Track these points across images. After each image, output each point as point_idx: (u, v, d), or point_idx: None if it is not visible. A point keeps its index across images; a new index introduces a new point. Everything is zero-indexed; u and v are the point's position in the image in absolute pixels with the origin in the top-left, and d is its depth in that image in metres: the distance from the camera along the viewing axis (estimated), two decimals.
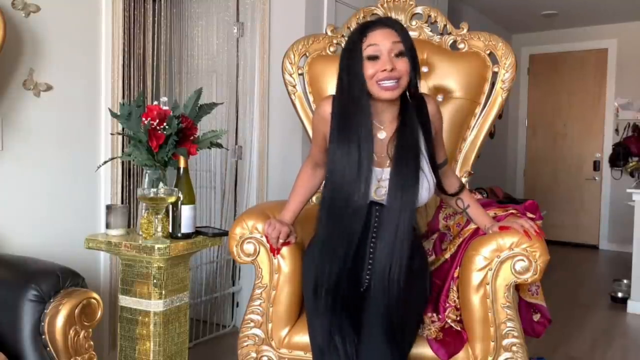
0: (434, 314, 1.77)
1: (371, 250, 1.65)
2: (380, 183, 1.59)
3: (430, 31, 2.27)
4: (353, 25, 2.31)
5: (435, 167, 1.66)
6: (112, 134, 2.38)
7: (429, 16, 2.28)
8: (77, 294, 1.60)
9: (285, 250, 1.81)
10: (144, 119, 1.86)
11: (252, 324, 1.84)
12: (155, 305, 1.88)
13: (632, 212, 3.92)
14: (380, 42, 1.52)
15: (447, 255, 1.85)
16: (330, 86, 2.21)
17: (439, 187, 1.73)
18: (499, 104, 2.19)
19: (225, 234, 2.01)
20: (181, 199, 1.89)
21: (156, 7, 2.77)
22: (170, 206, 1.91)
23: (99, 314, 1.65)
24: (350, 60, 1.55)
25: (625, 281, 4.16)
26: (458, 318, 1.75)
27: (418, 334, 1.72)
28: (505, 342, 1.66)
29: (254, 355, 1.84)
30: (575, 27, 6.32)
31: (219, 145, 2.11)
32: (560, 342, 3.24)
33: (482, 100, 2.21)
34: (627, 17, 5.84)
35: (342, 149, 1.57)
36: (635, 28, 6.03)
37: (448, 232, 1.97)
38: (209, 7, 3.12)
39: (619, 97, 6.15)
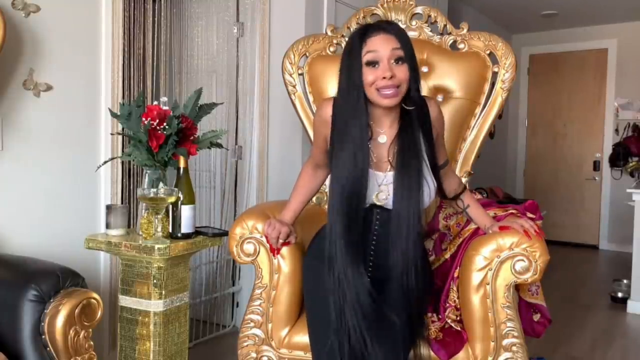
0: (434, 314, 1.77)
1: (372, 253, 1.65)
2: (381, 187, 1.59)
3: (430, 31, 2.27)
4: (353, 25, 2.31)
5: (436, 170, 1.65)
6: (112, 134, 2.38)
7: (429, 16, 2.28)
8: (77, 294, 1.60)
9: (285, 250, 1.81)
10: (144, 119, 1.86)
11: (252, 324, 1.84)
12: (155, 305, 1.88)
13: (632, 212, 3.92)
14: (379, 48, 1.51)
15: (447, 255, 1.85)
16: (331, 86, 2.21)
17: (440, 190, 1.73)
18: (499, 104, 2.19)
19: (225, 234, 2.01)
20: (181, 199, 1.89)
21: (156, 7, 2.77)
22: (170, 206, 1.91)
23: (99, 314, 1.65)
24: (350, 65, 1.55)
25: (625, 281, 4.16)
26: (458, 318, 1.75)
27: (421, 334, 1.72)
28: (505, 342, 1.66)
29: (254, 355, 1.84)
30: (575, 27, 6.32)
31: (219, 145, 2.11)
32: (560, 342, 3.24)
33: (482, 100, 2.21)
34: (627, 17, 5.84)
35: (340, 153, 1.57)
36: (635, 28, 6.03)
37: (448, 232, 1.98)
38: (209, 7, 3.12)
39: (619, 97, 6.15)
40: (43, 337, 1.55)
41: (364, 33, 1.54)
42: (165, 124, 1.86)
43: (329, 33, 2.37)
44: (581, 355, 3.10)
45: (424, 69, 2.21)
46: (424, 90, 2.14)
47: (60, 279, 1.60)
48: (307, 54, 2.35)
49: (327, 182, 1.83)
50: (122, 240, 1.89)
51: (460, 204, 1.79)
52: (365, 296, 1.53)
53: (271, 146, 3.16)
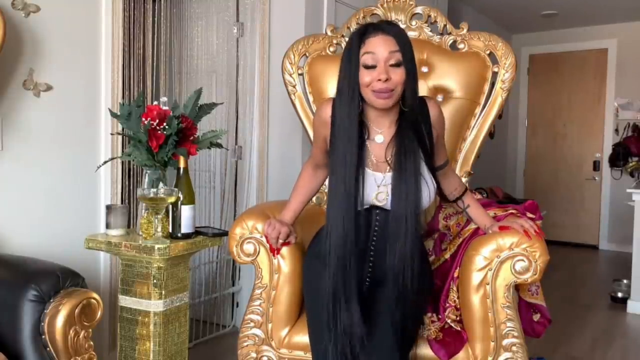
0: (434, 314, 1.77)
1: (371, 254, 1.64)
2: (380, 188, 1.59)
3: (430, 31, 2.27)
4: (353, 26, 2.31)
5: (435, 171, 1.65)
6: (112, 134, 2.38)
7: (429, 16, 2.28)
8: (77, 294, 1.60)
9: (285, 250, 1.81)
10: (143, 119, 1.86)
11: (252, 324, 1.84)
12: (155, 305, 1.88)
13: (632, 212, 3.92)
14: (377, 50, 1.50)
15: (447, 255, 1.85)
16: (331, 86, 2.21)
17: (439, 191, 1.73)
18: (498, 104, 2.19)
19: (225, 234, 2.01)
20: (181, 199, 1.89)
21: (156, 7, 2.77)
22: (170, 206, 1.91)
23: (99, 314, 1.65)
24: (348, 65, 1.55)
25: (625, 281, 4.16)
26: (458, 318, 1.75)
27: (418, 334, 1.72)
28: (505, 342, 1.66)
29: (254, 355, 1.84)
30: (575, 27, 6.32)
31: (219, 145, 2.11)
32: (560, 342, 3.24)
33: (482, 100, 2.20)
34: (627, 17, 5.84)
35: (337, 152, 1.57)
36: (635, 28, 6.03)
37: (448, 232, 1.98)
38: (209, 7, 3.12)
39: (618, 97, 6.15)
40: (43, 337, 1.55)
41: (363, 33, 1.53)
42: (165, 124, 1.86)
43: (329, 33, 2.37)
44: (581, 355, 3.10)
45: (424, 69, 2.21)
46: (424, 91, 2.15)
47: (60, 279, 1.60)
48: (307, 54, 2.35)
49: (327, 182, 1.83)
50: (122, 240, 1.89)
51: (461, 203, 1.79)
52: (356, 298, 1.53)
53: (271, 146, 3.16)
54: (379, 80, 1.49)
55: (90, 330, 1.63)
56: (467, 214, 1.80)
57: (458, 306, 1.75)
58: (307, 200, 1.87)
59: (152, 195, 1.80)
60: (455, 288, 1.77)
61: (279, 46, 2.90)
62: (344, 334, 1.53)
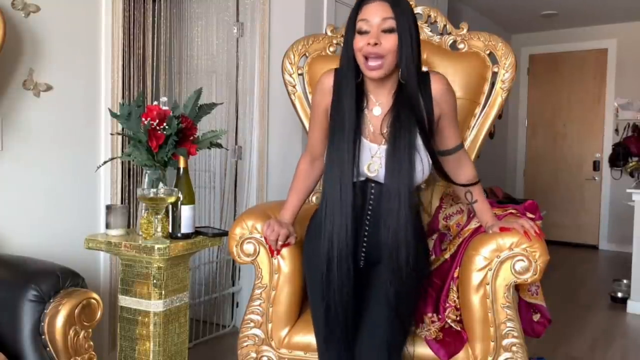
0: (434, 314, 1.77)
1: (366, 228, 1.63)
2: (373, 159, 1.58)
3: (430, 31, 2.27)
4: None
5: (432, 148, 1.60)
6: (112, 134, 2.38)
7: (429, 16, 2.28)
8: (77, 294, 1.60)
9: (285, 250, 1.81)
10: (143, 119, 1.86)
11: (252, 324, 1.84)
12: (155, 305, 1.88)
13: (632, 212, 3.92)
14: (370, 17, 1.52)
15: (447, 255, 1.85)
16: None
17: (442, 173, 1.68)
18: (498, 104, 2.19)
19: (225, 234, 2.01)
20: (181, 199, 1.89)
21: (156, 7, 2.77)
22: (170, 206, 1.91)
23: (99, 314, 1.65)
24: (346, 33, 1.59)
25: (625, 281, 4.17)
26: (458, 318, 1.75)
27: (417, 334, 1.72)
28: (505, 342, 1.66)
29: (253, 355, 1.84)
30: (575, 27, 6.32)
31: (219, 146, 2.11)
32: (560, 342, 3.24)
33: (482, 100, 2.21)
34: (627, 17, 5.84)
35: (336, 120, 1.59)
36: (635, 28, 6.03)
37: (448, 232, 1.97)
38: (209, 7, 3.12)
39: (618, 97, 6.15)
40: (43, 337, 1.55)
41: (361, 1, 1.56)
42: (165, 124, 1.86)
43: (329, 33, 2.37)
44: (581, 355, 3.10)
45: (424, 69, 2.21)
46: None
47: (60, 279, 1.60)
48: (307, 54, 2.35)
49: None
50: (122, 240, 1.89)
51: (469, 196, 1.75)
52: (350, 273, 1.55)
53: (271, 146, 3.16)
54: (369, 44, 1.50)
55: (90, 330, 1.63)
56: (472, 208, 1.77)
57: (458, 306, 1.75)
58: (306, 198, 1.86)
59: (152, 195, 1.80)
60: (455, 288, 1.77)
61: (279, 46, 2.90)
62: (336, 294, 1.54)
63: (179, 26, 3.04)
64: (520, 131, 6.85)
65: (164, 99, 1.97)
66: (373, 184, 1.61)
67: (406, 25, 1.51)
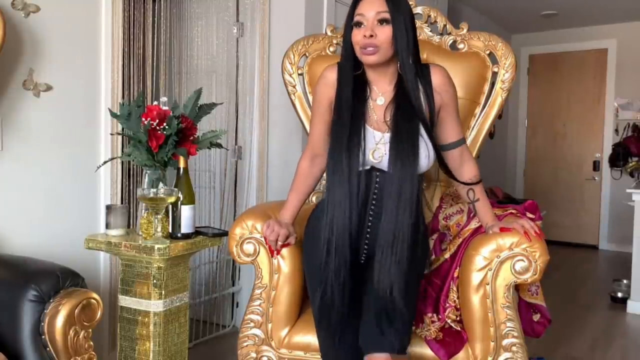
0: (434, 314, 1.77)
1: (370, 218, 1.63)
2: (377, 146, 1.61)
3: (430, 31, 2.27)
4: None
5: (434, 138, 1.64)
6: (112, 134, 2.38)
7: (429, 16, 2.28)
8: (77, 294, 1.60)
9: (285, 250, 1.81)
10: (143, 119, 1.86)
11: (252, 324, 1.84)
12: (155, 305, 1.88)
13: (632, 212, 3.92)
14: (366, 11, 1.58)
15: (447, 255, 1.85)
16: None
17: (444, 166, 1.70)
18: (498, 104, 2.19)
19: (225, 234, 2.01)
20: (181, 199, 1.89)
21: (156, 7, 2.77)
22: (170, 206, 1.91)
23: (99, 314, 1.65)
24: (345, 27, 1.65)
25: (625, 281, 4.17)
26: (458, 318, 1.75)
27: (417, 334, 1.72)
28: (505, 342, 1.66)
29: (253, 355, 1.84)
30: (575, 27, 6.32)
31: (219, 146, 2.11)
32: (560, 342, 3.24)
33: (482, 101, 2.20)
34: (627, 17, 5.84)
35: (341, 110, 1.63)
36: (635, 28, 6.03)
37: (448, 232, 1.97)
38: (209, 7, 3.12)
39: (618, 97, 6.15)
40: (43, 337, 1.55)
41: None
42: (165, 124, 1.86)
43: (329, 33, 2.37)
44: (581, 355, 3.10)
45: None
46: None
47: (60, 279, 1.60)
48: (307, 54, 2.35)
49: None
50: (122, 240, 1.89)
51: (471, 194, 1.75)
52: (347, 258, 1.57)
53: (271, 146, 3.16)
54: (364, 36, 1.57)
55: (90, 330, 1.63)
56: (473, 207, 1.77)
57: (458, 306, 1.76)
58: (306, 198, 1.86)
59: (152, 195, 1.80)
60: (455, 288, 1.77)
61: (279, 46, 2.90)
62: (333, 278, 1.56)
63: (179, 26, 3.04)
64: (520, 131, 6.85)
65: (164, 99, 1.97)
66: (378, 173, 1.62)
67: (401, 17, 1.57)
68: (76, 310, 1.58)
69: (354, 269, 1.62)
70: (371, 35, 1.55)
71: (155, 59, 2.81)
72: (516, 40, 6.66)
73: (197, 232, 1.99)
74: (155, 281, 1.87)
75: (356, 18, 1.59)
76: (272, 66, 3.08)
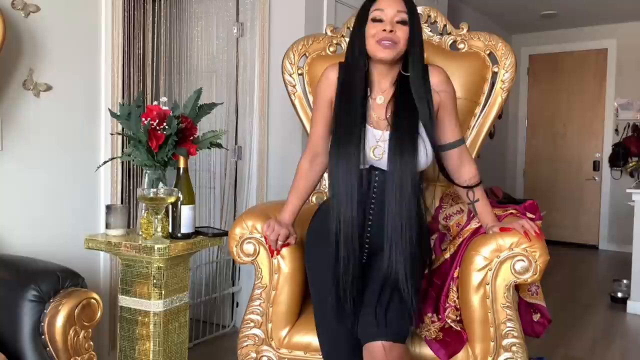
0: (434, 314, 1.77)
1: (370, 217, 1.65)
2: (378, 143, 1.63)
3: (430, 31, 2.27)
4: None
5: (433, 137, 1.65)
6: (112, 134, 2.38)
7: (429, 16, 2.27)
8: (77, 294, 1.60)
9: (285, 250, 1.81)
10: (143, 119, 1.86)
11: (252, 324, 1.84)
12: (155, 305, 1.88)
13: (632, 212, 3.92)
14: (386, 7, 1.61)
15: (447, 255, 1.85)
16: None
17: (441, 168, 1.72)
18: (498, 104, 2.19)
19: (225, 234, 2.01)
20: (181, 199, 1.89)
21: (156, 7, 2.77)
22: (170, 206, 1.91)
23: (99, 314, 1.64)
24: (357, 21, 1.66)
25: (625, 281, 4.16)
26: (458, 318, 1.75)
27: (417, 334, 1.72)
28: (505, 342, 1.66)
29: (253, 355, 1.84)
30: (575, 27, 6.32)
31: (219, 146, 2.11)
32: (560, 342, 3.24)
33: (482, 101, 2.20)
34: (627, 17, 5.84)
35: (342, 109, 1.65)
36: (635, 28, 6.03)
37: (448, 232, 1.97)
38: (209, 7, 3.12)
39: (618, 97, 6.15)
40: (43, 337, 1.55)
41: None
42: (165, 124, 1.86)
43: (329, 33, 2.36)
44: (581, 355, 3.10)
45: None
46: None
47: (60, 279, 1.60)
48: (307, 54, 2.35)
49: (326, 176, 1.86)
50: (122, 240, 1.89)
51: (471, 195, 1.76)
52: (356, 252, 1.59)
53: (271, 146, 3.16)
54: (384, 30, 1.59)
55: (90, 330, 1.63)
56: (473, 207, 1.78)
57: (458, 306, 1.75)
58: (306, 198, 1.86)
59: (152, 195, 1.80)
60: (455, 288, 1.77)
61: (279, 46, 2.90)
62: (344, 270, 1.58)
63: (179, 26, 3.04)
64: (520, 131, 6.85)
65: (164, 99, 1.97)
66: (377, 172, 1.64)
67: (415, 20, 1.63)
68: (76, 310, 1.58)
69: (365, 268, 1.65)
70: (391, 31, 1.59)
71: (155, 59, 2.81)
72: (516, 40, 6.66)
73: (197, 232, 1.99)
74: (155, 281, 1.87)
75: (375, 13, 1.62)
76: (272, 66, 3.08)
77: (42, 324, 1.55)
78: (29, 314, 1.55)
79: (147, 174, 1.95)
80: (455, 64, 2.20)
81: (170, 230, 1.93)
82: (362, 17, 1.65)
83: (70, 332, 1.57)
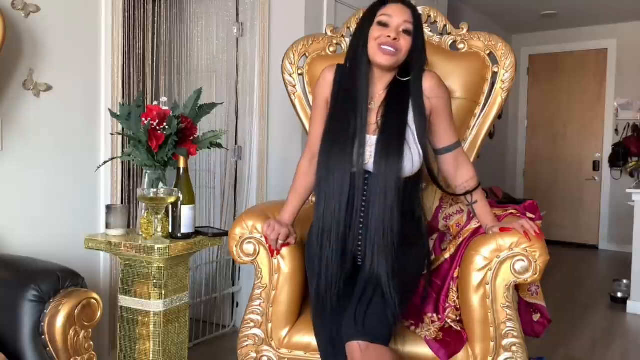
0: (434, 314, 1.77)
1: (361, 220, 1.65)
2: (365, 148, 1.65)
3: (430, 31, 2.27)
4: (353, 26, 2.30)
5: (425, 144, 1.66)
6: (112, 134, 2.38)
7: (429, 16, 2.27)
8: (77, 294, 1.60)
9: (285, 250, 1.81)
10: (143, 119, 1.86)
11: (252, 324, 1.84)
12: (155, 305, 1.88)
13: (632, 212, 3.92)
14: (394, 15, 1.62)
15: (447, 255, 1.85)
16: None
17: (433, 178, 1.73)
18: (498, 104, 2.19)
19: (225, 234, 2.01)
20: (181, 199, 1.89)
21: (156, 7, 2.77)
22: (170, 206, 1.91)
23: (99, 314, 1.64)
24: (362, 23, 1.68)
25: (625, 281, 4.16)
26: (458, 318, 1.75)
27: (417, 334, 1.72)
28: (505, 342, 1.66)
29: (253, 355, 1.84)
30: (575, 27, 6.32)
31: (219, 146, 2.11)
32: (560, 342, 3.24)
33: (482, 101, 2.20)
34: (627, 17, 5.84)
35: (336, 113, 1.67)
36: (635, 28, 6.03)
37: (448, 232, 1.97)
38: (209, 7, 3.12)
39: (618, 97, 6.15)
40: (43, 337, 1.55)
41: (384, 1, 1.66)
42: (165, 124, 1.86)
43: (329, 33, 2.36)
44: (581, 355, 3.10)
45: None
46: None
47: (60, 279, 1.60)
48: (307, 54, 2.35)
49: None
50: (122, 240, 1.89)
51: (469, 197, 1.77)
52: (337, 253, 1.61)
53: (271, 146, 3.16)
54: (388, 36, 1.60)
55: (90, 330, 1.63)
56: (472, 209, 1.79)
57: (458, 306, 1.76)
58: (306, 198, 1.87)
59: (152, 195, 1.80)
60: (455, 288, 1.77)
61: (279, 46, 2.90)
62: (326, 269, 1.61)
63: (179, 26, 3.04)
64: (520, 131, 6.85)
65: (164, 99, 1.97)
66: (367, 176, 1.65)
67: (420, 33, 1.66)
68: (76, 310, 1.57)
69: (352, 272, 1.65)
70: (395, 38, 1.60)
71: (155, 59, 2.81)
72: (516, 40, 6.66)
73: (197, 232, 1.99)
74: (155, 281, 1.87)
75: (382, 17, 1.63)
76: (272, 66, 3.08)
77: (42, 324, 1.55)
78: (29, 314, 1.55)
79: (147, 174, 1.95)
80: (455, 64, 2.20)
81: (170, 230, 1.93)
82: (368, 18, 1.65)
83: (70, 332, 1.57)
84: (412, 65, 1.66)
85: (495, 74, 2.19)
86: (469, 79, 2.19)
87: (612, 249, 6.17)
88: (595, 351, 3.17)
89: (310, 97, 2.35)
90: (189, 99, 2.03)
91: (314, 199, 2.22)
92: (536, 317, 1.91)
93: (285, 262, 1.82)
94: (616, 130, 6.15)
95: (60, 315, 1.55)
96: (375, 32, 1.62)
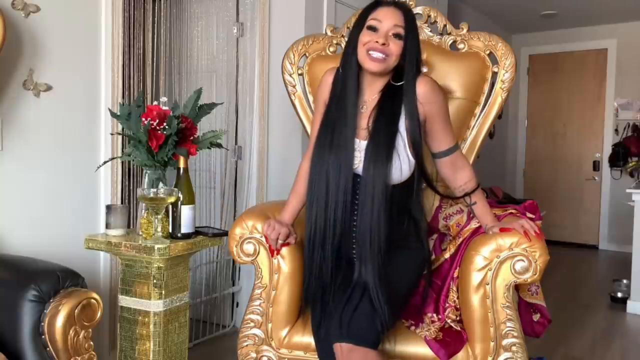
0: (434, 314, 1.77)
1: (354, 223, 1.67)
2: (355, 153, 1.65)
3: (430, 31, 2.27)
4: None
5: (418, 151, 1.66)
6: (112, 134, 2.38)
7: (429, 16, 2.27)
8: (77, 294, 1.60)
9: (285, 250, 1.81)
10: (143, 119, 1.86)
11: (252, 324, 1.84)
12: (155, 305, 1.88)
13: (632, 212, 3.92)
14: (384, 19, 1.60)
15: (447, 255, 1.85)
16: None
17: (429, 183, 1.73)
18: (498, 104, 2.19)
19: (225, 234, 2.01)
20: (181, 199, 1.89)
21: (156, 7, 2.77)
22: (170, 206, 1.91)
23: (99, 314, 1.65)
24: (353, 28, 1.66)
25: (625, 281, 4.17)
26: (458, 318, 1.75)
27: (417, 334, 1.72)
28: (505, 342, 1.66)
29: (253, 355, 1.84)
30: (575, 27, 6.32)
31: (219, 146, 2.11)
32: (560, 342, 3.24)
33: (482, 101, 2.20)
34: (627, 17, 5.84)
35: (331, 119, 1.67)
36: (635, 28, 6.03)
37: (448, 232, 1.97)
38: (209, 7, 3.12)
39: (618, 97, 6.15)
40: (43, 337, 1.55)
41: (377, 3, 1.65)
42: (165, 124, 1.86)
43: (329, 33, 2.36)
44: (581, 355, 3.10)
45: (424, 69, 2.20)
46: None
47: (60, 279, 1.60)
48: (307, 54, 2.35)
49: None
50: (122, 240, 1.89)
51: (468, 198, 1.77)
52: (329, 253, 1.64)
53: (271, 146, 3.16)
54: (377, 42, 1.58)
55: (90, 330, 1.63)
56: (472, 210, 1.79)
57: (458, 306, 1.76)
58: (306, 200, 1.86)
59: (152, 195, 1.80)
60: (455, 288, 1.77)
61: (279, 46, 2.90)
62: (318, 271, 1.64)
63: (179, 26, 3.04)
64: (520, 131, 6.85)
65: (164, 99, 1.97)
66: (359, 180, 1.65)
67: (411, 36, 1.62)
68: (76, 310, 1.58)
69: (348, 273, 1.66)
70: (383, 44, 1.58)
71: (155, 59, 2.81)
72: (516, 40, 6.66)
73: (197, 232, 1.99)
74: (155, 281, 1.87)
75: (371, 22, 1.61)
76: (272, 66, 3.08)
77: (42, 324, 1.55)
78: (29, 314, 1.55)
79: (147, 174, 1.95)
80: (455, 64, 2.20)
81: (170, 230, 1.93)
82: (359, 23, 1.64)
83: (70, 332, 1.57)
84: (405, 70, 1.64)
85: (495, 74, 2.19)
86: (469, 79, 2.19)
87: (612, 249, 6.17)
88: (595, 351, 3.17)
89: (310, 97, 2.35)
90: (189, 99, 2.03)
91: None
92: (536, 317, 1.91)
93: (285, 262, 1.82)
94: (616, 130, 6.15)
95: (60, 315, 1.55)
96: (364, 37, 1.61)
